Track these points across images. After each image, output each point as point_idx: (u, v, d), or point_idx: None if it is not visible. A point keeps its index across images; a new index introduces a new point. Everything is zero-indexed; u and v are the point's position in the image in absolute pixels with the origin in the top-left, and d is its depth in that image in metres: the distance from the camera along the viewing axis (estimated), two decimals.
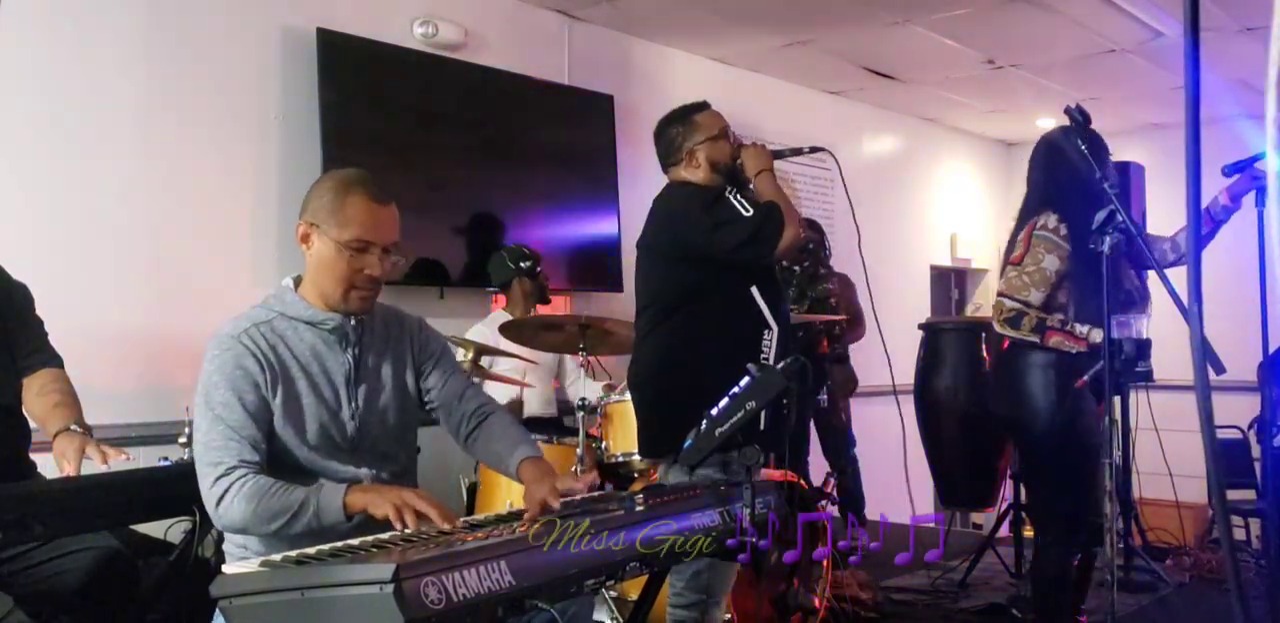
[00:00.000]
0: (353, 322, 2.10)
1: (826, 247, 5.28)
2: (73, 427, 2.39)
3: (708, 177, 2.86)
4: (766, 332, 2.73)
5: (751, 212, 2.70)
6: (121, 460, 2.31)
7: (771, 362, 2.67)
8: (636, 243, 2.95)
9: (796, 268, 4.50)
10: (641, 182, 5.18)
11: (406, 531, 1.78)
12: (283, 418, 1.99)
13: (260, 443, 1.95)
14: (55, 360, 2.63)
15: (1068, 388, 3.01)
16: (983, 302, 7.76)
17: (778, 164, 2.92)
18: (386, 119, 4.24)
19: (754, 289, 2.73)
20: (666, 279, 2.82)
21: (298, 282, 2.12)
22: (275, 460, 1.98)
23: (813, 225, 5.27)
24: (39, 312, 2.73)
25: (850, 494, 5.09)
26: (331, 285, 2.04)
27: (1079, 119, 2.98)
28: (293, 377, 2.02)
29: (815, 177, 6.42)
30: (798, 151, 2.95)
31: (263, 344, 2.00)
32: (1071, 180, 3.05)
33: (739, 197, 2.76)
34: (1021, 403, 3.08)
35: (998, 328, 3.05)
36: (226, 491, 1.89)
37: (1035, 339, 2.97)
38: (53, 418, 2.44)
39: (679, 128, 2.90)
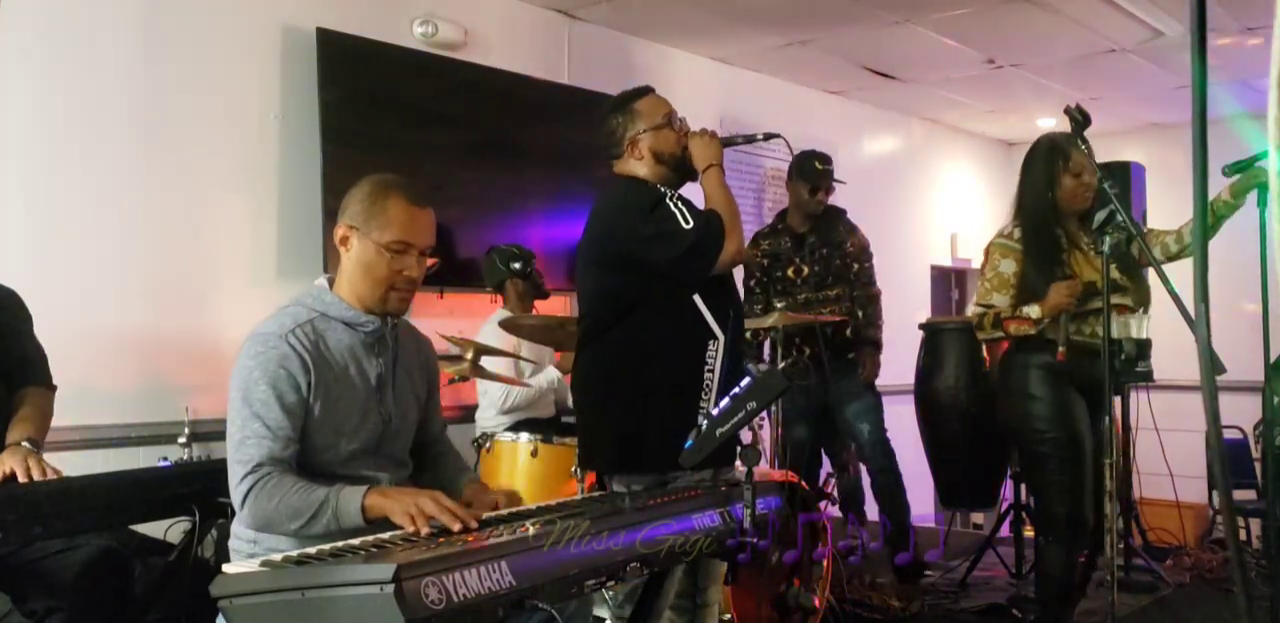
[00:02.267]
0: (390, 326, 2.13)
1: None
2: (24, 442, 2.40)
3: (652, 169, 2.64)
4: (712, 342, 2.54)
5: (691, 223, 2.49)
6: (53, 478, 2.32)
7: (717, 374, 2.53)
8: (576, 246, 2.75)
9: (857, 264, 4.55)
10: None
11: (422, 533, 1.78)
12: (319, 419, 2.00)
13: (294, 443, 1.96)
14: (44, 377, 2.67)
15: (1059, 388, 3.12)
16: None
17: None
18: (386, 119, 4.24)
19: (696, 298, 2.55)
20: (604, 287, 2.64)
21: (330, 282, 2.14)
22: (303, 461, 1.99)
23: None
24: (39, 313, 2.73)
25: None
26: (370, 287, 2.07)
27: (1079, 119, 2.99)
28: (332, 378, 2.03)
29: None
30: (750, 139, 2.73)
31: (307, 344, 2.01)
32: (1030, 188, 3.24)
33: (680, 203, 2.54)
34: (1016, 404, 3.19)
35: (980, 336, 3.26)
36: (252, 488, 1.90)
37: (1000, 334, 3.16)
38: (11, 431, 2.46)
39: (619, 116, 2.68)
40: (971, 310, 3.27)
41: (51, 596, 2.30)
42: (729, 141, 2.69)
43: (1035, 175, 3.24)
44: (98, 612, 2.33)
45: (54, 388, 2.68)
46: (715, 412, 2.17)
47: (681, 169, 2.65)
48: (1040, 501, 3.33)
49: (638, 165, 2.66)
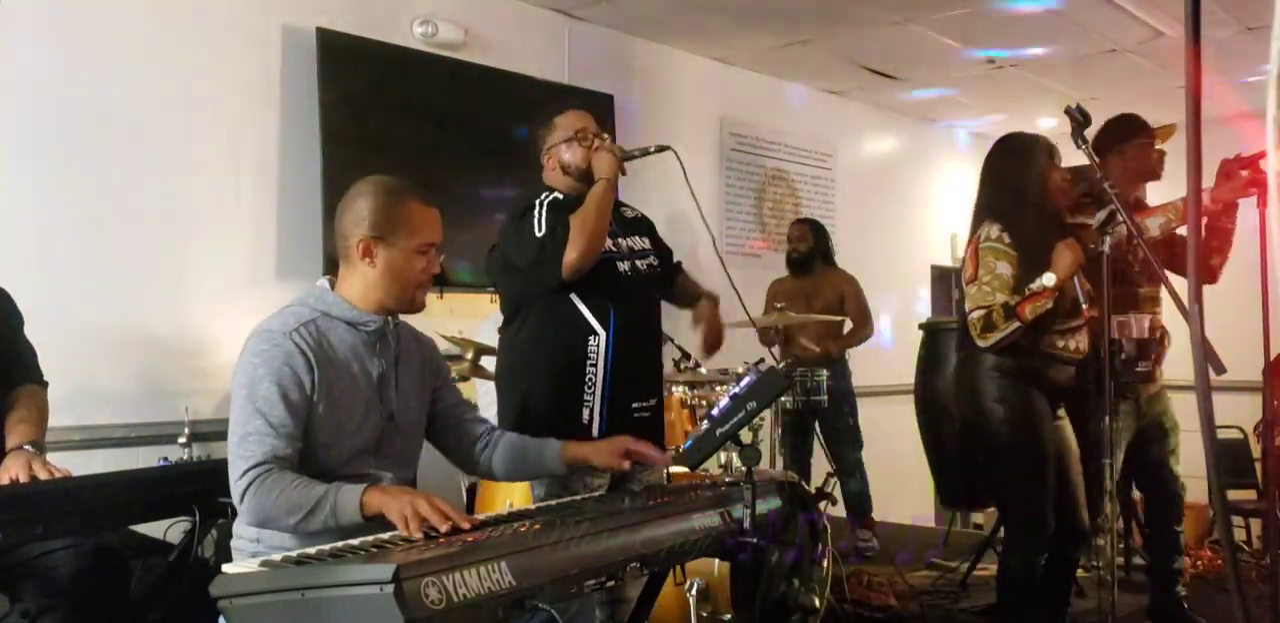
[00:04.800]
0: (391, 326, 2.15)
1: (827, 247, 5.32)
2: (26, 446, 2.39)
3: (562, 179, 2.81)
4: (592, 337, 2.69)
5: (543, 231, 2.64)
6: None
7: (600, 367, 2.67)
8: None
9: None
10: (640, 182, 5.17)
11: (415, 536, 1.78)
12: (321, 417, 2.01)
13: (296, 441, 1.97)
14: (36, 374, 2.65)
15: (1021, 392, 3.04)
16: None
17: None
18: (386, 119, 4.24)
19: (573, 296, 2.69)
20: (502, 287, 2.85)
21: (330, 284, 2.15)
22: (305, 459, 2.00)
23: (815, 227, 5.32)
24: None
25: (858, 498, 5.10)
26: (401, 290, 2.11)
27: (1079, 119, 2.98)
28: (334, 377, 2.04)
29: (815, 177, 6.42)
30: (646, 152, 2.87)
31: (311, 342, 2.01)
32: (1013, 188, 3.11)
33: (544, 212, 2.68)
34: (974, 406, 3.11)
35: (982, 343, 3.02)
36: (252, 483, 1.90)
37: (1016, 324, 2.94)
38: (11, 434, 2.44)
39: (540, 130, 2.86)
40: (972, 316, 3.03)
41: (46, 594, 2.29)
42: (627, 156, 2.82)
43: (1030, 173, 3.11)
44: (93, 611, 2.33)
45: (46, 384, 2.66)
46: (715, 412, 2.17)
47: (588, 181, 2.78)
48: (1000, 502, 3.28)
49: (552, 175, 2.83)
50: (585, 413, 2.67)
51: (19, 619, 2.30)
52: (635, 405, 2.74)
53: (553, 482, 2.62)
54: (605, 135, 2.85)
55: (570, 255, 2.59)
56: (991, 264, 3.03)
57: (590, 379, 2.68)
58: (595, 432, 2.65)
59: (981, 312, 3.00)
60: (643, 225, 2.93)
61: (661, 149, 2.88)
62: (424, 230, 2.10)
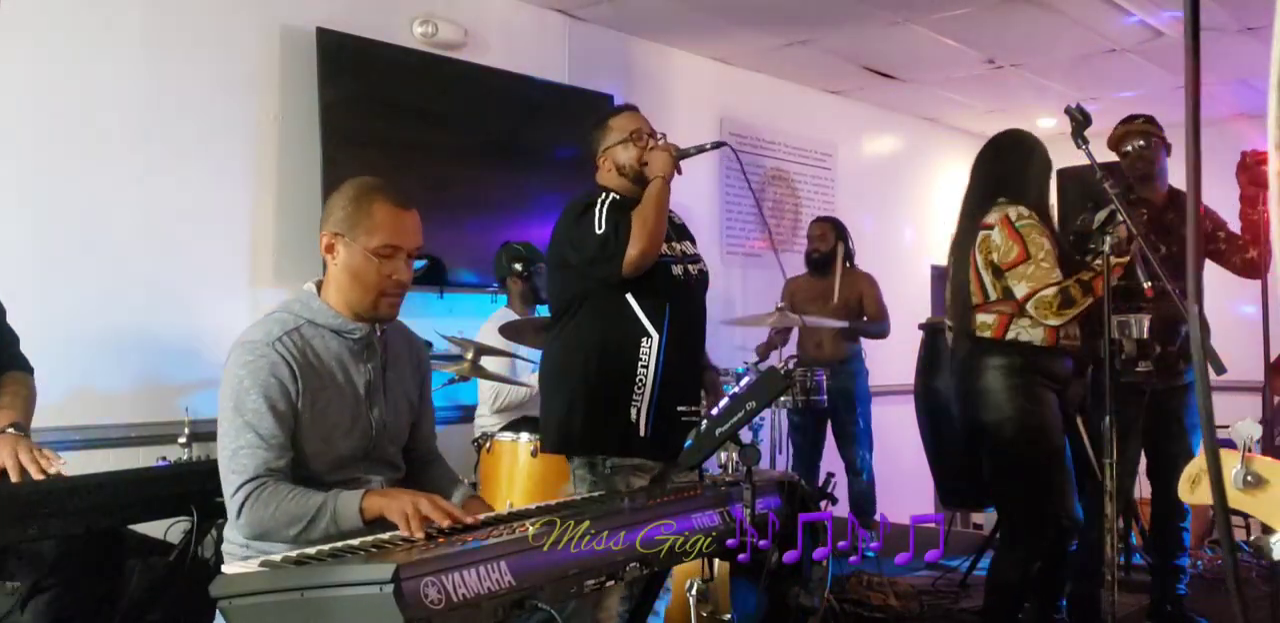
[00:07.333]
0: (378, 333, 2.11)
1: (850, 247, 5.26)
2: (9, 429, 2.33)
3: (617, 181, 2.83)
4: (645, 339, 2.71)
5: (604, 228, 2.66)
6: (60, 465, 2.25)
7: (650, 369, 2.68)
8: None
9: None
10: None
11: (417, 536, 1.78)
12: (308, 426, 1.99)
13: (287, 451, 1.95)
14: (20, 361, 2.60)
15: (1029, 390, 3.01)
16: None
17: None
18: (386, 119, 4.24)
19: (629, 297, 2.71)
20: (556, 286, 2.86)
21: (318, 287, 2.12)
22: (294, 468, 1.98)
23: (837, 225, 5.28)
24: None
25: (861, 497, 5.09)
26: (360, 293, 2.04)
27: (1079, 119, 2.98)
28: (320, 386, 2.02)
29: (815, 176, 6.42)
30: (701, 149, 2.89)
31: (295, 351, 1.99)
32: (1032, 172, 3.19)
33: (604, 209, 2.71)
34: (982, 406, 3.08)
35: (1056, 320, 2.96)
36: (248, 497, 1.89)
37: (1090, 299, 2.90)
38: None
39: (595, 132, 2.89)
40: (1044, 296, 2.93)
41: (38, 572, 2.26)
42: (683, 154, 2.83)
43: (1041, 168, 3.18)
44: (85, 591, 2.30)
45: (31, 370, 2.60)
46: (715, 411, 2.18)
47: (642, 181, 2.80)
48: (1004, 504, 3.21)
49: (607, 177, 2.85)
50: (633, 412, 2.69)
51: (8, 599, 2.28)
52: (682, 409, 2.74)
53: (595, 482, 2.66)
54: (662, 134, 2.88)
55: (632, 252, 2.62)
56: (1038, 240, 3.00)
57: (640, 380, 2.69)
58: (643, 431, 2.68)
59: (1054, 289, 2.94)
60: (688, 232, 2.96)
61: (717, 145, 2.91)
62: (386, 231, 2.02)
